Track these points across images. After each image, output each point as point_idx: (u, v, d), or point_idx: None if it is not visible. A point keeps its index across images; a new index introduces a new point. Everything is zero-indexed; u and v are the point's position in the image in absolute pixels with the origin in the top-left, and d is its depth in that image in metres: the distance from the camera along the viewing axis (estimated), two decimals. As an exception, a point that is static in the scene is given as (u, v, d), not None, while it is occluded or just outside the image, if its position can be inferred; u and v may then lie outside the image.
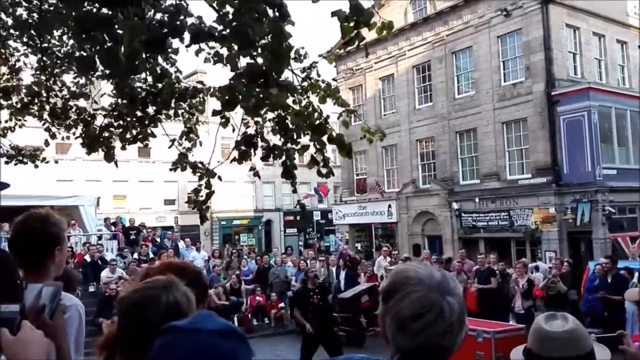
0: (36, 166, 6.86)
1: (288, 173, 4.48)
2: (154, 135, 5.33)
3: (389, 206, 25.27)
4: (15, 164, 6.72)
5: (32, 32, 5.43)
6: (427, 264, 1.83)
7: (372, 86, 26.75)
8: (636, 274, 11.50)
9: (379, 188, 25.72)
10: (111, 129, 5.56)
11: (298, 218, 39.18)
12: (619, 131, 19.88)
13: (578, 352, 1.90)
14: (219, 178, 4.93)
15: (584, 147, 18.78)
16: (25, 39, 5.63)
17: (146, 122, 5.13)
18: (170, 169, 5.25)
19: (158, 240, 18.05)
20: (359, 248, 26.83)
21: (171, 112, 5.23)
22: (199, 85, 5.50)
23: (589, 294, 11.42)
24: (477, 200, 21.71)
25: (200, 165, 5.06)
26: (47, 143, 6.46)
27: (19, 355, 1.35)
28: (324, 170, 4.57)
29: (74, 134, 6.00)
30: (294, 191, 4.67)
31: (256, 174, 5.53)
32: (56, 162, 7.02)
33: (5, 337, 1.37)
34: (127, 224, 19.13)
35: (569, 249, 18.88)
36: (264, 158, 4.61)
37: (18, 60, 6.14)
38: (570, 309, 10.01)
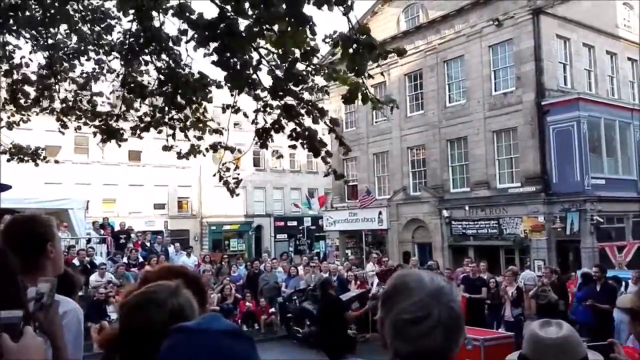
0: (36, 164, 6.95)
1: (316, 150, 4.70)
2: (167, 125, 5.51)
3: (380, 213, 25.31)
4: (18, 162, 6.78)
5: (40, 27, 5.46)
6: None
7: (364, 93, 26.80)
8: (623, 283, 11.63)
9: (368, 197, 25.69)
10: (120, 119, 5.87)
11: (288, 224, 39.20)
12: (607, 141, 20.10)
13: (572, 358, 1.93)
14: (239, 151, 5.43)
15: (573, 156, 18.96)
16: (32, 33, 5.66)
17: (156, 113, 5.31)
18: (181, 157, 5.65)
19: (148, 244, 17.95)
20: (349, 254, 26.84)
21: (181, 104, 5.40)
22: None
23: (578, 303, 11.50)
24: (467, 208, 21.82)
25: (219, 145, 5.47)
26: (61, 133, 6.66)
27: None
28: (342, 150, 4.90)
29: (85, 123, 6.16)
30: (329, 166, 4.98)
31: (279, 157, 5.93)
32: (56, 162, 7.16)
33: (7, 344, 1.35)
34: (118, 228, 19.02)
35: (557, 257, 19.01)
36: (294, 146, 4.84)
37: (23, 57, 6.16)
38: (560, 318, 10.07)
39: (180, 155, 5.79)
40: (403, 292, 1.43)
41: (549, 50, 20.37)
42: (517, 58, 20.62)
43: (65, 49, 5.84)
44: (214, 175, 5.67)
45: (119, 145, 6.03)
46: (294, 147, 4.83)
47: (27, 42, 5.85)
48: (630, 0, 24.14)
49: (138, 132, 5.74)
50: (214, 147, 5.60)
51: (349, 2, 3.55)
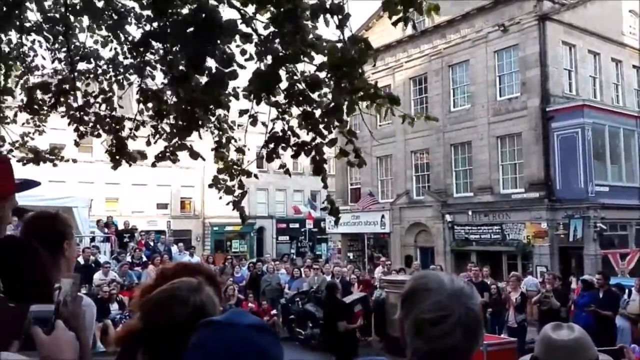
0: (55, 165, 6.85)
1: (318, 169, 4.42)
2: (186, 147, 5.19)
3: (382, 216, 25.32)
4: (37, 165, 6.68)
5: (60, 27, 5.33)
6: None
7: (369, 96, 26.84)
8: (627, 291, 11.61)
9: (370, 199, 25.70)
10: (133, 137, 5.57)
11: (290, 226, 39.21)
12: (612, 149, 20.09)
13: (583, 360, 1.95)
14: (255, 176, 5.03)
15: (577, 163, 18.96)
16: (46, 36, 5.57)
17: (174, 133, 5.05)
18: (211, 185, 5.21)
19: (151, 244, 17.98)
20: (351, 257, 26.84)
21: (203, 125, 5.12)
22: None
23: (580, 310, 11.47)
24: (470, 213, 21.81)
25: (235, 165, 5.12)
26: (77, 144, 6.34)
27: (53, 355, 1.37)
28: (355, 161, 4.52)
29: (103, 130, 5.94)
30: (325, 186, 4.55)
31: (287, 172, 5.30)
32: (74, 161, 7.08)
33: (40, 337, 1.39)
34: (122, 227, 19.06)
35: (560, 264, 18.99)
36: (295, 155, 4.55)
37: (36, 55, 6.09)
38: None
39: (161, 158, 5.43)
40: (423, 292, 1.45)
41: (554, 57, 20.38)
42: (522, 64, 20.63)
43: (89, 60, 5.67)
44: (227, 203, 5.14)
45: (130, 165, 5.65)
46: (295, 155, 4.51)
47: (42, 47, 5.79)
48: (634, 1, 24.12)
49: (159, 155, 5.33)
50: (230, 172, 5.13)
51: (345, 13, 3.33)
